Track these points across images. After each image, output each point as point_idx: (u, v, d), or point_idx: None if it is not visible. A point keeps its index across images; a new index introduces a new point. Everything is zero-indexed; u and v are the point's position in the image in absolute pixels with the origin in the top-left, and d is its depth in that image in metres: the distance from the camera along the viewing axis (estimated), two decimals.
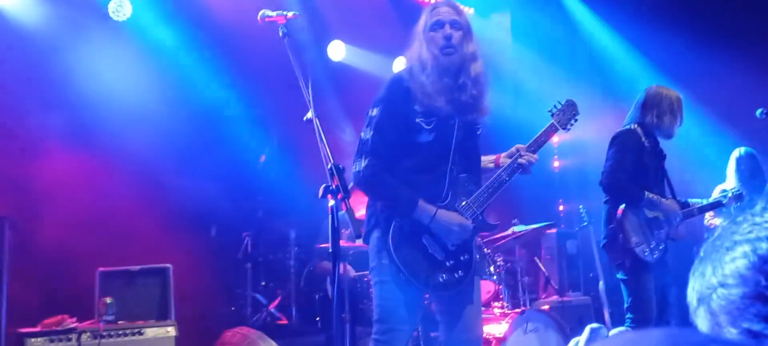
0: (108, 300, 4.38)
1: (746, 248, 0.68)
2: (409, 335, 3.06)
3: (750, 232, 0.70)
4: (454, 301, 3.03)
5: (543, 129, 3.15)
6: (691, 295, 0.76)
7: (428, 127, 2.94)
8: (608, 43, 8.11)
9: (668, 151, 4.48)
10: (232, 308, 6.40)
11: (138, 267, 4.73)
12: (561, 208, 8.64)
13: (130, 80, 5.79)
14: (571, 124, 3.21)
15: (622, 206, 4.17)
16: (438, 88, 2.91)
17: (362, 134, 2.99)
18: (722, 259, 0.71)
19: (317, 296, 5.88)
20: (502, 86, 8.38)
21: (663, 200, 4.21)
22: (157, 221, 5.61)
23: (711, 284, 0.71)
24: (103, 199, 5.47)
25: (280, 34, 2.84)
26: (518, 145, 3.12)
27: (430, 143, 2.94)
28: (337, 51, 7.19)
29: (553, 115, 3.19)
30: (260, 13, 2.87)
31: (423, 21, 3.03)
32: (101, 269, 4.59)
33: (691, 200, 4.47)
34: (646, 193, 4.13)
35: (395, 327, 2.93)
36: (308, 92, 2.70)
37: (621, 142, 4.28)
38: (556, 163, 8.81)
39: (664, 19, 7.47)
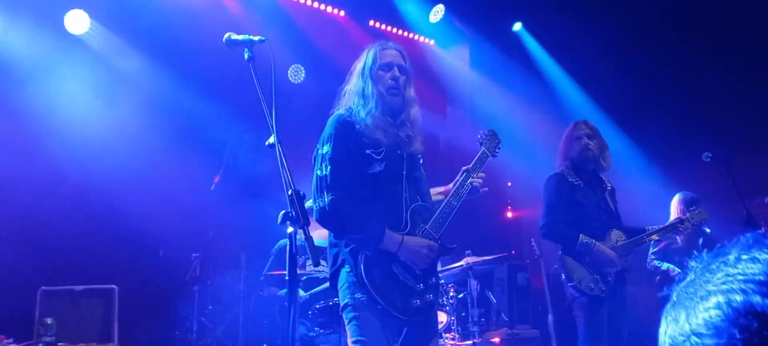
0: (48, 321, 4.21)
1: (720, 298, 0.69)
2: None
3: (724, 283, 0.70)
4: (422, 329, 3.02)
5: (477, 157, 3.34)
6: (663, 339, 0.76)
7: (378, 158, 3.01)
8: (560, 79, 8.36)
9: (617, 184, 4.55)
10: (177, 332, 6.22)
11: (82, 287, 4.57)
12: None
13: (80, 94, 5.64)
14: (497, 151, 3.43)
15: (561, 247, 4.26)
16: (378, 123, 3.02)
17: (318, 172, 3.01)
18: (696, 308, 0.71)
19: (265, 322, 5.78)
20: (460, 114, 8.53)
21: (597, 245, 4.14)
22: (104, 239, 5.43)
23: (684, 331, 0.71)
24: (47, 214, 5.27)
25: (245, 57, 2.80)
26: (464, 167, 3.26)
27: (383, 173, 3.01)
28: (296, 74, 7.19)
29: (481, 144, 3.39)
30: (226, 35, 2.83)
31: (369, 59, 3.13)
32: (44, 287, 4.41)
33: (649, 227, 4.39)
34: (581, 236, 4.13)
35: None
36: (271, 117, 2.67)
37: (551, 187, 4.36)
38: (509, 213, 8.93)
39: (613, 61, 7.76)
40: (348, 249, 2.96)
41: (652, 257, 5.96)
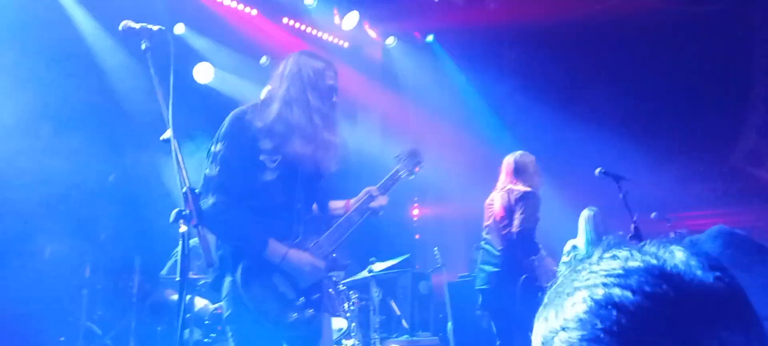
0: None
1: (585, 293, 0.74)
2: None
3: (588, 279, 0.76)
4: (304, 341, 2.95)
5: (390, 174, 3.23)
6: (536, 339, 0.80)
7: (272, 166, 2.89)
8: (472, 100, 8.57)
9: None
10: (62, 338, 5.86)
11: None
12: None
13: None
14: (416, 171, 3.32)
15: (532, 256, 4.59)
16: (301, 134, 2.91)
17: (207, 171, 2.87)
18: (564, 304, 0.76)
19: (159, 329, 5.56)
20: (371, 121, 8.56)
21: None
22: None
23: (553, 327, 0.76)
24: None
25: (143, 47, 2.66)
26: (368, 188, 3.17)
27: (274, 182, 2.89)
28: (205, 73, 6.93)
29: (399, 161, 3.27)
30: (123, 23, 2.68)
31: (311, 71, 3.00)
32: None
33: None
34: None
35: None
36: (168, 111, 2.54)
37: (533, 203, 4.67)
38: (415, 212, 9.04)
39: (521, 85, 8.04)
40: (230, 255, 2.86)
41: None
